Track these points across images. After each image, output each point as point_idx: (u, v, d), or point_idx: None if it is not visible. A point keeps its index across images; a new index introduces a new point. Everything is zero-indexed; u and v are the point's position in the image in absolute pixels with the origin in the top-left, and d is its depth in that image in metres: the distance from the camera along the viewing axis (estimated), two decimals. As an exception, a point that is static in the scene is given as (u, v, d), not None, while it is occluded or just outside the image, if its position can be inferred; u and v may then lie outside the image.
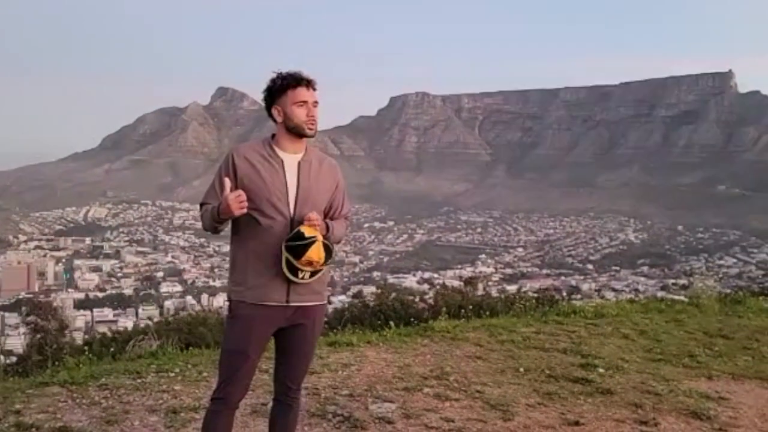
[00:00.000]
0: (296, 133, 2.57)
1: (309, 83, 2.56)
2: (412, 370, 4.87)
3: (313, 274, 2.53)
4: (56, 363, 5.22)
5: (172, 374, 4.62)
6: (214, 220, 2.50)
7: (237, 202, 2.40)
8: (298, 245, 2.44)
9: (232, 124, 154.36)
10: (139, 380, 4.47)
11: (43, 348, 6.49)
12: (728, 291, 10.20)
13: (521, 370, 4.93)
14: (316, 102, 2.57)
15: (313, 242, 2.44)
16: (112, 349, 5.79)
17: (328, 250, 2.52)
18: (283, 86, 2.54)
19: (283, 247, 2.48)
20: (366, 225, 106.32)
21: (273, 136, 2.64)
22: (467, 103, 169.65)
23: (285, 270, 2.49)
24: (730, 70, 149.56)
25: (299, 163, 2.61)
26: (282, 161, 2.58)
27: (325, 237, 2.54)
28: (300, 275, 2.51)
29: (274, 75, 2.57)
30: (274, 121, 2.61)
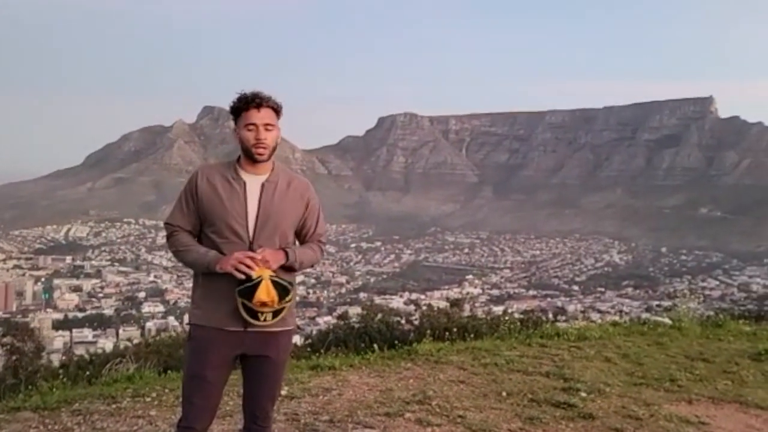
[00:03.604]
0: (249, 156, 2.52)
1: (259, 105, 2.46)
2: (395, 394, 4.82)
3: (275, 314, 2.46)
4: (30, 387, 5.09)
5: (148, 399, 4.52)
6: (198, 265, 2.48)
7: (233, 260, 2.37)
8: (247, 287, 2.38)
9: (218, 142, 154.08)
10: (113, 405, 4.37)
11: (17, 371, 6.33)
12: (711, 313, 10.26)
13: (504, 394, 4.90)
14: (268, 125, 2.47)
15: (260, 282, 2.36)
16: (88, 373, 5.66)
17: (280, 287, 2.42)
18: (236, 109, 2.50)
19: (236, 293, 2.40)
20: (353, 245, 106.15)
21: (239, 157, 2.60)
22: (455, 124, 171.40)
23: (244, 315, 2.42)
24: (711, 96, 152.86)
25: (263, 184, 2.54)
26: (244, 183, 2.53)
27: (285, 266, 2.49)
28: (261, 317, 2.43)
29: (236, 96, 2.51)
30: None
